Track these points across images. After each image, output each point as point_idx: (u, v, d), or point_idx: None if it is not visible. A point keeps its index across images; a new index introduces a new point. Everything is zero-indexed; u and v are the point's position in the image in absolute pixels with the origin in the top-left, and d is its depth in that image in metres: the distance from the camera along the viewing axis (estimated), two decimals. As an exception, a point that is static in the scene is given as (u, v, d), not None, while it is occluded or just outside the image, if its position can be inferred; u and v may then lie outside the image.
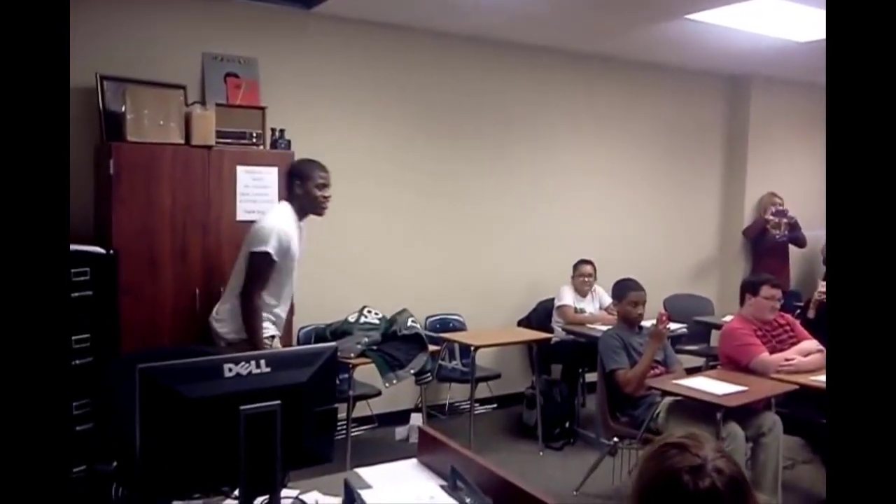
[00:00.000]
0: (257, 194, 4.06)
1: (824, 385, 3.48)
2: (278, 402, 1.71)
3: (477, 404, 4.86)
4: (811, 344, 3.92)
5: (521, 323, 5.40)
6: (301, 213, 3.54)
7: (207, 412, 1.66)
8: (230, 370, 1.71)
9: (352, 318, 4.13)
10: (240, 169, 4.01)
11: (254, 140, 4.13)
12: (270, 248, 3.32)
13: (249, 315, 3.35)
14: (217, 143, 3.95)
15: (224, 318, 3.46)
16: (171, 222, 3.83)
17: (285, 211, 3.49)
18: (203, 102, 4.15)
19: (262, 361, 1.75)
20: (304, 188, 3.51)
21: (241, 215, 4.01)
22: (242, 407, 1.66)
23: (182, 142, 3.84)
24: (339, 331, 4.08)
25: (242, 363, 1.73)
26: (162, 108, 3.81)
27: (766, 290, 3.97)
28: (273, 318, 3.49)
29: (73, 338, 3.40)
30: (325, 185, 3.53)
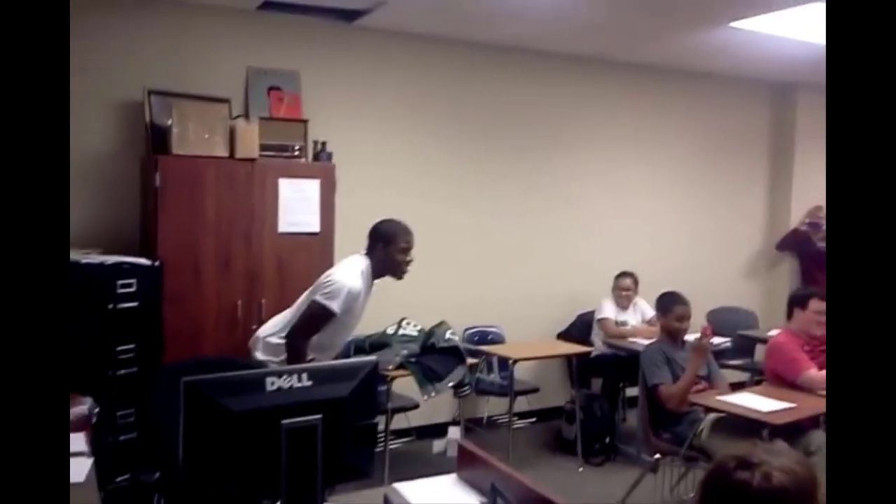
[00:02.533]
0: (299, 206, 4.11)
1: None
2: (319, 415, 1.72)
3: (516, 418, 4.82)
4: (862, 360, 3.80)
5: (560, 336, 5.35)
6: (377, 274, 3.42)
7: (250, 425, 1.68)
8: (272, 384, 1.72)
9: (390, 330, 4.14)
10: (282, 181, 4.06)
11: (296, 153, 4.19)
12: (336, 307, 3.20)
13: (296, 359, 3.21)
14: (260, 155, 4.01)
15: (263, 349, 3.36)
16: (215, 234, 3.90)
17: (361, 268, 3.35)
18: (247, 116, 4.22)
19: (304, 375, 1.77)
20: (386, 251, 3.37)
21: (283, 227, 4.06)
22: (284, 421, 1.68)
23: (226, 155, 3.91)
24: (378, 343, 4.08)
25: (285, 377, 1.74)
26: (207, 121, 3.88)
27: (814, 304, 3.85)
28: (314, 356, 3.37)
29: (119, 348, 3.49)
30: (408, 250, 3.40)
